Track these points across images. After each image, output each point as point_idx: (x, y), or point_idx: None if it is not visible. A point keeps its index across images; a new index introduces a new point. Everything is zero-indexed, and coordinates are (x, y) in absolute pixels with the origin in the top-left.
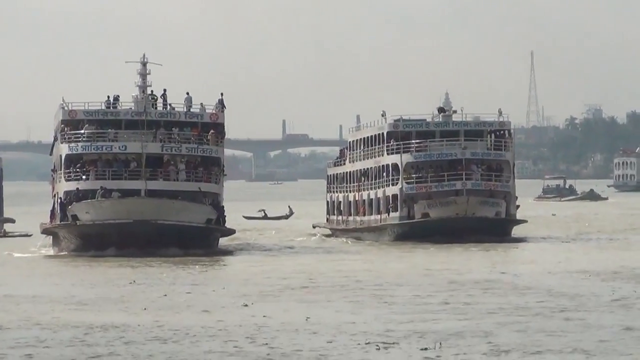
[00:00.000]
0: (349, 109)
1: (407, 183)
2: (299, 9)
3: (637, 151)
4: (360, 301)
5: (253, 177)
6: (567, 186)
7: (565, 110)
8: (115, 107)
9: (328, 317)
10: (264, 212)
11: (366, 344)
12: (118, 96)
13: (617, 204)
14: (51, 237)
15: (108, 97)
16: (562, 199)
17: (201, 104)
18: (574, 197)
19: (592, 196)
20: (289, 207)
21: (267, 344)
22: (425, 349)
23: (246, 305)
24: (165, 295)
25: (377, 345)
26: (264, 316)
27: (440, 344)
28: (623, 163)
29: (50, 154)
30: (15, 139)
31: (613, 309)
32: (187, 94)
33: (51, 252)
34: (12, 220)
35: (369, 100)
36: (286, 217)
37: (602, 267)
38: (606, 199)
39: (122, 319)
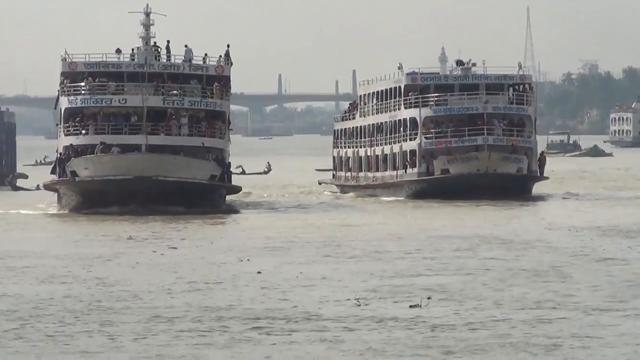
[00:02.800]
0: (345, 65)
1: (426, 138)
2: None
3: (633, 106)
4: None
5: (249, 132)
6: (571, 142)
7: (562, 65)
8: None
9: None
10: (242, 168)
11: (355, 299)
12: (119, 49)
13: (622, 160)
14: (56, 193)
15: (118, 49)
16: (566, 155)
17: (205, 54)
18: (578, 152)
19: (596, 152)
20: (267, 162)
21: (256, 299)
22: (415, 305)
23: (241, 261)
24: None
25: (362, 302)
26: (258, 272)
27: (429, 298)
28: (619, 118)
29: (55, 109)
30: (11, 93)
31: (598, 264)
32: (186, 46)
33: (54, 209)
34: (25, 176)
35: (364, 56)
36: (265, 172)
37: (602, 223)
38: (610, 154)
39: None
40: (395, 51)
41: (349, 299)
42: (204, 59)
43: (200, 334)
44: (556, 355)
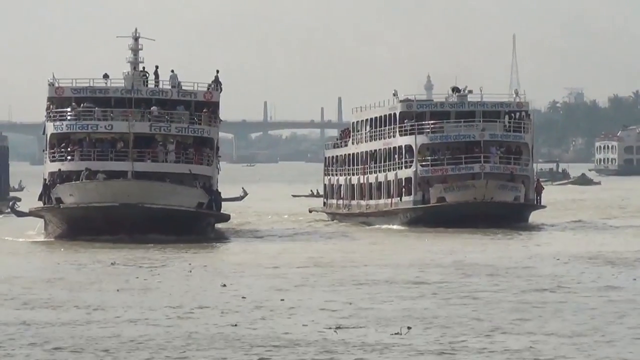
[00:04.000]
0: (330, 92)
1: (422, 165)
2: None
3: (618, 135)
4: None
5: (234, 159)
6: (560, 170)
7: (547, 93)
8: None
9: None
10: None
11: (337, 328)
12: (107, 75)
13: (610, 188)
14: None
15: (105, 74)
16: (554, 183)
17: (195, 83)
18: (566, 181)
19: (584, 180)
20: (242, 188)
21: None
22: (397, 333)
23: (224, 286)
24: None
25: (341, 329)
26: (242, 297)
27: (408, 328)
28: (604, 147)
29: (42, 134)
30: None
31: (586, 290)
32: (172, 71)
33: (42, 237)
34: (18, 199)
35: (350, 84)
36: (240, 198)
37: (587, 252)
38: (598, 183)
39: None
40: (381, 79)
41: (330, 327)
42: (194, 85)
43: (179, 357)
44: None
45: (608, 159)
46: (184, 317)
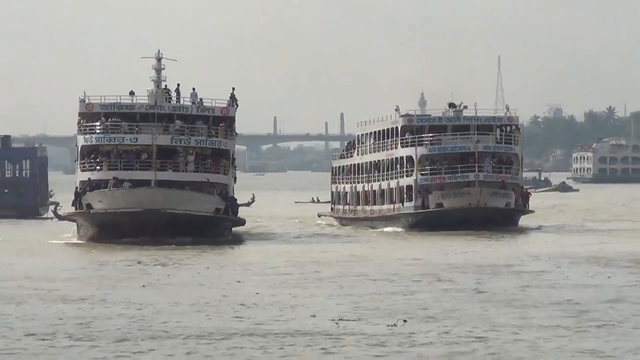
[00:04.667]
0: (334, 108)
1: (422, 174)
2: (292, 18)
3: (593, 147)
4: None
5: (247, 169)
6: (542, 178)
7: (529, 109)
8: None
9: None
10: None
11: (339, 319)
12: (133, 92)
13: (591, 194)
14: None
15: (131, 91)
16: (537, 190)
17: (213, 100)
18: (547, 188)
19: (564, 187)
20: (252, 194)
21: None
22: (393, 325)
23: (240, 282)
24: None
25: (344, 322)
26: (256, 293)
27: (404, 321)
28: (581, 157)
29: (75, 146)
30: (32, 133)
31: (565, 287)
32: (193, 89)
33: (75, 239)
34: (58, 204)
35: (351, 101)
36: (248, 204)
37: (570, 252)
38: (577, 190)
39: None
40: (379, 96)
41: (333, 319)
42: (212, 101)
43: (200, 347)
44: None
45: (584, 168)
46: (202, 310)
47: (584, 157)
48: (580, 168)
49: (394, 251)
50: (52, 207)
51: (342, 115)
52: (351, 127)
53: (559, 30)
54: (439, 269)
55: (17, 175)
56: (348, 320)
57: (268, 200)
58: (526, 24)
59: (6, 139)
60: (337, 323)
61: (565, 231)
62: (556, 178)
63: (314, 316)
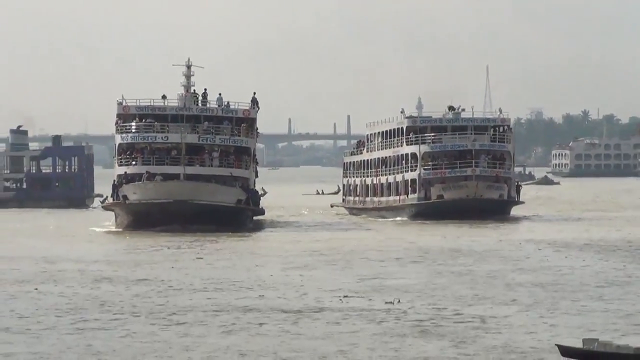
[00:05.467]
0: (341, 110)
1: (424, 169)
2: (305, 32)
3: (570, 145)
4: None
5: (264, 164)
6: (526, 172)
7: (513, 112)
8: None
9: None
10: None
11: (344, 296)
12: (165, 95)
13: (570, 187)
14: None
15: (163, 95)
16: (522, 183)
17: (236, 103)
18: (531, 181)
19: (547, 181)
20: (262, 188)
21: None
22: (390, 302)
23: (257, 266)
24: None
25: (347, 299)
26: (270, 275)
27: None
28: (559, 154)
29: (113, 143)
30: (74, 132)
31: (546, 269)
32: (220, 94)
33: (113, 227)
34: (101, 196)
35: (356, 104)
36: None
37: (555, 238)
38: (558, 183)
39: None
40: (381, 99)
41: (339, 297)
42: (235, 104)
43: (221, 322)
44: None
45: (562, 164)
46: (224, 289)
47: (562, 154)
48: (559, 164)
49: (398, 237)
50: (100, 199)
51: (348, 117)
52: (357, 128)
53: (539, 41)
54: (437, 253)
55: (67, 170)
56: (352, 297)
57: (278, 192)
58: (511, 37)
59: (57, 138)
60: (341, 300)
61: (549, 220)
62: (538, 172)
63: (320, 296)
